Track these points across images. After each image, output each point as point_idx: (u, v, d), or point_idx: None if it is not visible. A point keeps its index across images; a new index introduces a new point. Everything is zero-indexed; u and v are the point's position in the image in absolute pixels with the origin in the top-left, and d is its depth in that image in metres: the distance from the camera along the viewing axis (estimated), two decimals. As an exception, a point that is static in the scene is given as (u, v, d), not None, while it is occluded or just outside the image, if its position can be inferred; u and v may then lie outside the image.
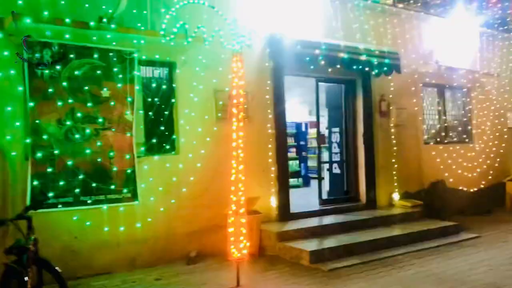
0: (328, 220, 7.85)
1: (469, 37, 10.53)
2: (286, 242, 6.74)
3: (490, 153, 10.81)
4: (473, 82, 10.59)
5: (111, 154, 5.95)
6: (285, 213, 7.65)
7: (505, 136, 11.21)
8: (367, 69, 8.16)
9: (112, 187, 5.93)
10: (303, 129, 13.52)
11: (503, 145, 11.11)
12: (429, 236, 7.63)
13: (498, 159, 10.94)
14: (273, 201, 7.53)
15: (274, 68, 7.64)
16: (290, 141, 13.05)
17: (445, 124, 10.31)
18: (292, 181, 12.46)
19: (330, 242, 6.89)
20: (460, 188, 10.14)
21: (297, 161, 13.09)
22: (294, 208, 7.91)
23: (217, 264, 6.31)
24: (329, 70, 8.01)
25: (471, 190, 10.34)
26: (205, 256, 6.54)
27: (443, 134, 10.22)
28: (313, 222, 7.65)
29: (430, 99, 10.15)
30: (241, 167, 5.46)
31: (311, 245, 6.63)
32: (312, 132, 14.15)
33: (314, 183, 10.20)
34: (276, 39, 7.48)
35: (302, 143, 13.39)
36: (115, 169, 5.97)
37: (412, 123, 9.50)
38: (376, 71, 8.29)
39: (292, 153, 13.03)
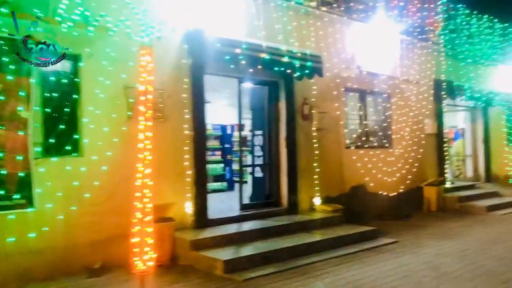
0: (247, 226, 7.54)
1: (390, 44, 10.73)
2: (201, 251, 6.33)
3: (408, 158, 11.05)
4: (393, 88, 10.78)
5: (0, 155, 5.24)
6: (202, 219, 7.23)
7: (423, 142, 11.52)
8: (289, 71, 7.97)
9: (1, 192, 5.23)
10: (229, 131, 13.17)
11: (421, 150, 11.42)
12: (348, 241, 7.54)
13: (416, 164, 11.22)
14: (189, 207, 7.08)
15: (193, 66, 7.22)
16: (215, 143, 12.68)
17: (366, 129, 10.40)
18: (216, 185, 12.13)
19: (248, 250, 6.58)
20: (380, 192, 10.27)
21: (222, 164, 12.71)
22: (213, 214, 7.52)
23: (123, 276, 5.76)
24: (251, 70, 7.69)
25: (391, 195, 10.50)
26: (110, 268, 5.97)
27: (364, 138, 10.30)
28: (231, 228, 7.29)
29: (352, 103, 10.20)
30: (148, 171, 5.00)
31: (226, 253, 6.27)
32: (238, 135, 13.83)
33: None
34: (194, 35, 7.08)
35: (227, 146, 13.04)
36: (4, 172, 5.27)
37: (334, 127, 9.47)
38: (298, 73, 8.12)
39: (217, 156, 12.65)
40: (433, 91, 11.97)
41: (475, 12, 13.44)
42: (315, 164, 8.94)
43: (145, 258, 4.90)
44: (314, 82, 8.86)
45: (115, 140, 6.14)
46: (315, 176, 8.95)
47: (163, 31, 5.84)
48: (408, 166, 10.98)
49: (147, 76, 5.09)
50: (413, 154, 11.18)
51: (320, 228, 8.01)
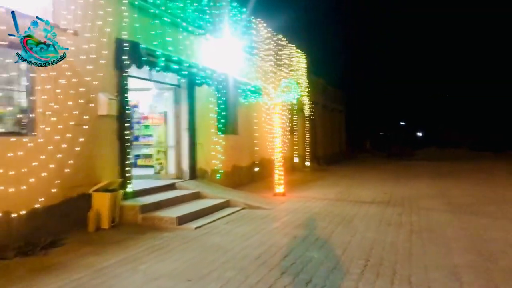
0: None
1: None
2: None
3: (60, 152, 6.97)
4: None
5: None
6: None
7: (86, 127, 7.56)
8: None
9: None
10: None
11: (81, 140, 7.41)
12: None
13: (73, 161, 7.25)
14: None
15: None
16: None
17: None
18: None
19: None
20: (-5, 211, 5.95)
21: None
22: None
23: None
24: None
25: (15, 215, 6.27)
26: None
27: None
28: None
29: None
30: None
31: None
32: None
33: None
34: None
35: None
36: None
37: None
38: None
39: None
40: (109, 54, 8.19)
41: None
42: None
43: None
44: None
45: None
46: None
47: None
48: (54, 165, 6.88)
49: None
50: (68, 145, 7.14)
51: None
